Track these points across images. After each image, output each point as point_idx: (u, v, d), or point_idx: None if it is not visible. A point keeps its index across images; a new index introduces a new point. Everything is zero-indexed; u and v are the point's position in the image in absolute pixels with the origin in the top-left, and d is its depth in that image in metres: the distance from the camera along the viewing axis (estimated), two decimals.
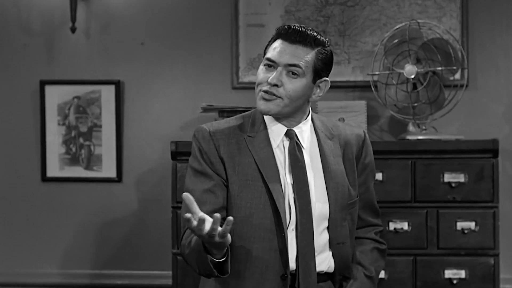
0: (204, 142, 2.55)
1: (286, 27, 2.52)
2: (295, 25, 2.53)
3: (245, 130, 2.57)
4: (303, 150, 2.57)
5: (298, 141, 2.56)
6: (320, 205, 2.53)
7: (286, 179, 2.53)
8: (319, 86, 2.56)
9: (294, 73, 2.49)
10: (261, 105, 2.51)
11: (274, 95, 2.49)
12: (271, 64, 2.51)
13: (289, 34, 2.50)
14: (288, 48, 2.50)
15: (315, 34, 2.52)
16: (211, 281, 2.53)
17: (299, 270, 2.49)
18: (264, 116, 2.58)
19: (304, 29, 2.51)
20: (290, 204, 2.51)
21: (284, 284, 2.48)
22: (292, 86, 2.49)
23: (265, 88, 2.50)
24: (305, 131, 2.59)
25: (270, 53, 2.51)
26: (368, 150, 2.70)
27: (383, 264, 2.75)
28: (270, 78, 2.49)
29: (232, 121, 2.62)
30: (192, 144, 2.59)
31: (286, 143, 2.56)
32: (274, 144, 2.56)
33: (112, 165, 4.28)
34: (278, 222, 2.48)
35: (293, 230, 2.50)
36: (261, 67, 2.54)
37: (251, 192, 2.50)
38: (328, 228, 2.56)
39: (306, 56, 2.50)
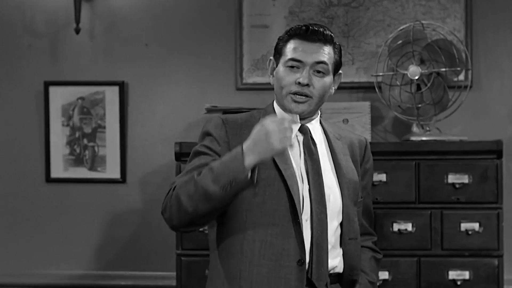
0: (216, 129, 2.57)
1: (303, 27, 2.55)
2: (311, 24, 2.56)
3: (257, 121, 2.59)
4: (317, 145, 2.59)
5: (311, 136, 2.59)
6: (335, 198, 2.56)
7: (301, 171, 2.54)
8: (334, 80, 2.60)
9: (319, 71, 2.52)
10: (294, 107, 2.54)
11: (307, 95, 2.52)
12: (296, 65, 2.52)
13: (309, 34, 2.53)
14: (310, 47, 2.53)
15: (329, 32, 2.58)
16: (221, 275, 2.53)
17: (313, 259, 2.50)
18: (276, 110, 2.61)
19: (321, 28, 2.55)
20: (304, 195, 2.52)
21: (301, 270, 2.48)
22: (321, 84, 2.54)
23: (296, 89, 2.52)
24: (317, 128, 2.64)
25: (293, 54, 2.53)
26: (369, 156, 2.77)
27: (378, 273, 2.82)
28: (301, 78, 2.51)
29: (244, 114, 2.67)
30: (200, 133, 2.61)
31: (300, 137, 2.59)
32: None
33: (116, 166, 4.29)
34: (293, 209, 2.49)
35: (306, 220, 2.51)
36: (283, 68, 2.55)
37: (264, 179, 2.51)
38: (341, 223, 2.57)
39: (329, 54, 2.54)
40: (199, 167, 2.49)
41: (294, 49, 2.53)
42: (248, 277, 2.48)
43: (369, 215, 2.79)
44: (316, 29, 2.54)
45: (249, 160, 2.35)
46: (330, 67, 2.55)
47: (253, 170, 2.37)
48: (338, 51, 2.59)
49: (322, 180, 2.55)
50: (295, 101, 2.54)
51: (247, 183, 2.37)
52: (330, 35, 2.56)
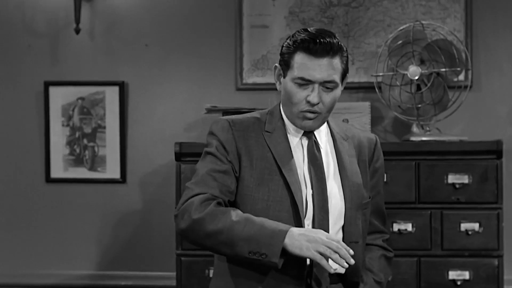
0: (223, 132, 2.56)
1: (309, 39, 2.49)
2: (317, 36, 2.49)
3: (262, 125, 2.59)
4: (321, 150, 2.59)
5: (316, 141, 2.59)
6: (336, 202, 2.56)
7: (305, 176, 2.54)
8: (341, 84, 2.60)
9: (329, 88, 2.51)
10: (306, 124, 2.54)
11: (316, 112, 2.52)
12: (304, 83, 2.50)
13: (316, 49, 2.47)
14: (318, 63, 2.48)
15: (336, 40, 2.51)
16: (226, 274, 2.54)
17: (313, 264, 2.49)
18: (283, 114, 2.61)
19: (328, 40, 2.48)
20: (308, 200, 2.52)
21: (300, 272, 2.49)
22: (330, 99, 2.53)
23: (307, 107, 2.51)
24: (322, 131, 2.62)
25: (301, 72, 2.49)
26: (379, 155, 2.73)
27: (390, 272, 2.78)
28: (311, 98, 2.49)
29: (250, 116, 2.64)
30: (207, 135, 2.60)
31: (305, 142, 2.59)
32: (293, 142, 2.58)
33: (116, 166, 4.29)
34: (296, 215, 2.49)
35: (308, 225, 2.51)
36: (291, 84, 2.51)
37: (268, 185, 2.51)
38: (343, 226, 2.57)
39: (337, 67, 2.51)
40: (212, 172, 2.51)
41: (302, 65, 2.49)
42: (253, 275, 2.50)
43: (380, 213, 2.77)
44: (323, 41, 2.47)
45: (286, 244, 2.38)
46: (339, 79, 2.54)
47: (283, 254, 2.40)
48: (346, 58, 2.56)
49: (326, 185, 2.55)
50: (307, 118, 2.54)
51: (271, 264, 2.40)
52: (337, 44, 2.50)
